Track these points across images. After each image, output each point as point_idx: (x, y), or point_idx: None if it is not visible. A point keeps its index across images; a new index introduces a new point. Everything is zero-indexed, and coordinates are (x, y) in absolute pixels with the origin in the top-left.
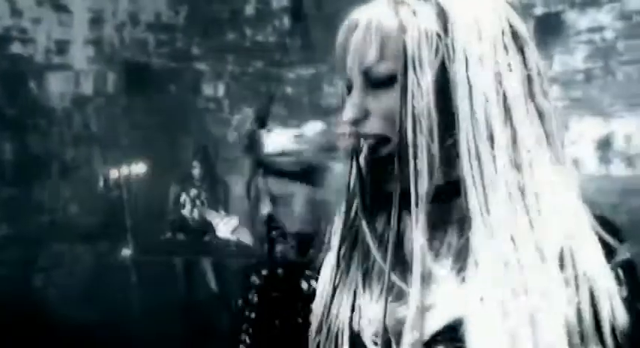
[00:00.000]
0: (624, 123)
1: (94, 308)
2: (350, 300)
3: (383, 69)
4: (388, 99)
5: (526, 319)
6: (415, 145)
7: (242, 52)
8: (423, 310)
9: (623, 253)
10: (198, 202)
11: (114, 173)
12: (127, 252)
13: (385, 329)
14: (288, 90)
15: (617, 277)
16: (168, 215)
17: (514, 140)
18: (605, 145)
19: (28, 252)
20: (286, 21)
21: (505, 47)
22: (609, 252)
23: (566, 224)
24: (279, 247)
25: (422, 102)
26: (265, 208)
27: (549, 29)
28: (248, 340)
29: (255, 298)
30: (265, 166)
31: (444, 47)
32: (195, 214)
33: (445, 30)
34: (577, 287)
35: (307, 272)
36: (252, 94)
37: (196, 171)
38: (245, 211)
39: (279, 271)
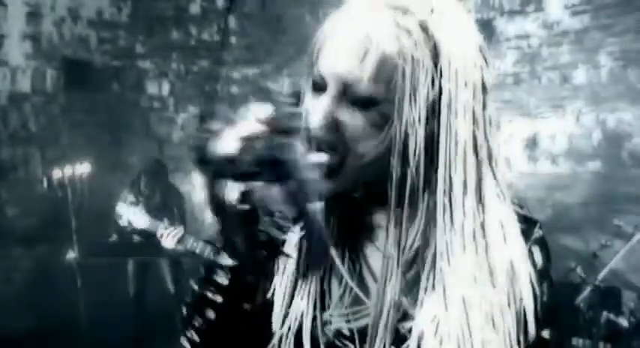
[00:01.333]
0: (548, 124)
1: (36, 316)
2: (310, 303)
3: (371, 90)
4: (363, 119)
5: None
6: (402, 176)
7: (187, 50)
8: (390, 319)
9: (537, 232)
10: (137, 211)
11: (57, 173)
12: (72, 255)
13: (351, 335)
14: (233, 89)
15: (534, 251)
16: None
17: (479, 183)
18: (532, 144)
19: None
20: (231, 20)
21: (480, 95)
22: (526, 233)
23: (510, 252)
24: (263, 225)
25: (412, 136)
26: (233, 194)
27: (482, 35)
28: (205, 327)
29: (226, 281)
30: (218, 172)
31: (437, 87)
32: (135, 223)
33: (436, 68)
34: (511, 306)
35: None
36: (197, 92)
37: (142, 185)
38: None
39: (259, 252)
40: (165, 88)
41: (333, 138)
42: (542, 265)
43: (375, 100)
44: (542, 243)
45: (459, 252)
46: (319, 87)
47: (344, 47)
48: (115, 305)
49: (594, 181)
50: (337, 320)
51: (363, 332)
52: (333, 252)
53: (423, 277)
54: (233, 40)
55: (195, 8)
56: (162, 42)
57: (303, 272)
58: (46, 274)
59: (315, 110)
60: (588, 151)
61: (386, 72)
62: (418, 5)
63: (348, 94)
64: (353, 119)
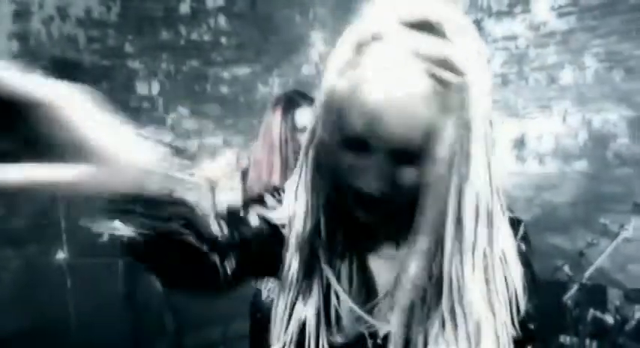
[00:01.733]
0: (535, 124)
1: (25, 316)
2: (313, 310)
3: (418, 149)
4: (411, 174)
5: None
6: (427, 223)
7: (177, 50)
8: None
9: (522, 230)
10: None
11: None
12: (61, 255)
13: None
14: (224, 89)
15: (521, 247)
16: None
17: (491, 216)
18: (520, 144)
19: None
20: (221, 20)
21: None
22: (514, 232)
23: (501, 242)
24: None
25: (441, 188)
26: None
27: None
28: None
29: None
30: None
31: (464, 136)
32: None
33: (466, 113)
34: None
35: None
36: (187, 93)
37: None
38: None
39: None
40: (155, 88)
41: (388, 194)
42: (528, 260)
43: (419, 155)
44: (527, 240)
45: (468, 274)
46: (357, 145)
47: (389, 113)
48: (106, 305)
49: (581, 181)
50: (346, 325)
51: (373, 334)
52: (328, 269)
53: (432, 301)
54: (223, 39)
55: (184, 8)
56: (151, 42)
57: (305, 278)
58: (36, 274)
59: (367, 172)
60: (575, 151)
61: (430, 131)
62: (446, 46)
63: (395, 154)
64: (402, 174)
